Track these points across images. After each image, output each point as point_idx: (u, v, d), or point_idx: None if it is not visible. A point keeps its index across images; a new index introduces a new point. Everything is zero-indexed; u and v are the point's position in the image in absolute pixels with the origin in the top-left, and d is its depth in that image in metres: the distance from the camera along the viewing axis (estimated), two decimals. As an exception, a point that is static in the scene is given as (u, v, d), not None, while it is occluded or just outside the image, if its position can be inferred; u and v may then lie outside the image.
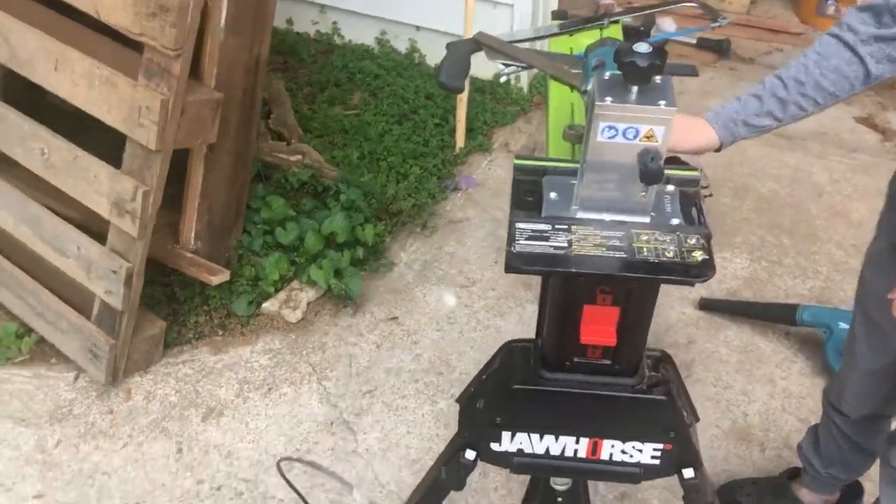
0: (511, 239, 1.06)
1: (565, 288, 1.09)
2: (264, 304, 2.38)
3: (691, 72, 1.46)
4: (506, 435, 1.23)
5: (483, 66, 3.08)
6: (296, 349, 2.33)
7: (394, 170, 2.76)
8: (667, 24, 3.42)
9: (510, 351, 1.25)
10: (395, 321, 2.41)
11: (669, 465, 1.23)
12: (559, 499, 1.47)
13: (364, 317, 2.43)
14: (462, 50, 1.37)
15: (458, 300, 2.45)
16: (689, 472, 1.24)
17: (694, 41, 3.60)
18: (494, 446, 1.24)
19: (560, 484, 1.45)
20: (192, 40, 1.86)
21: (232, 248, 2.41)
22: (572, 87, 1.28)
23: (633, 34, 1.78)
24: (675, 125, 1.01)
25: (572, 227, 1.08)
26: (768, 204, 2.76)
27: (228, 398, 2.20)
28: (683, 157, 1.32)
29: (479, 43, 1.40)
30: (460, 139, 2.91)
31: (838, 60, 1.17)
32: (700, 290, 2.49)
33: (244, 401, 2.20)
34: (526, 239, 1.06)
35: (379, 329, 2.39)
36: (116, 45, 2.06)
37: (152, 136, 1.88)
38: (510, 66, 1.52)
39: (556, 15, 1.81)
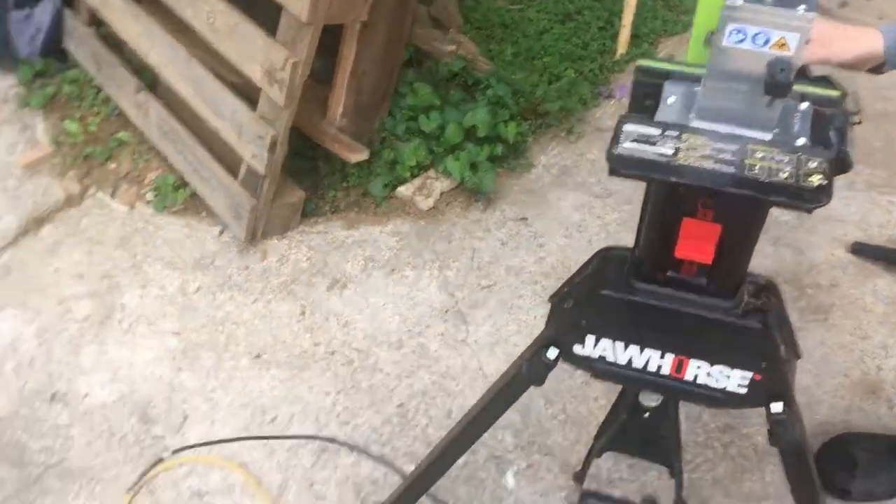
0: (615, 139, 1.02)
1: (666, 196, 1.05)
2: (399, 188, 2.44)
3: None
4: (590, 339, 1.22)
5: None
6: (423, 235, 2.38)
7: (548, 70, 2.69)
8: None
9: (606, 257, 1.22)
10: (523, 221, 2.41)
11: (757, 396, 1.18)
12: (647, 414, 1.46)
13: (494, 213, 2.43)
14: None
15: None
16: (777, 407, 1.18)
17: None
18: (577, 349, 1.24)
19: (650, 400, 1.43)
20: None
21: (375, 130, 2.46)
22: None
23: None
24: (838, 32, 0.92)
25: (683, 134, 1.02)
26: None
27: (354, 272, 2.30)
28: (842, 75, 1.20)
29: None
30: (622, 45, 2.79)
31: None
32: (856, 233, 2.32)
33: (367, 277, 2.29)
34: (631, 141, 1.02)
35: (507, 227, 2.40)
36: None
37: (305, 8, 1.93)
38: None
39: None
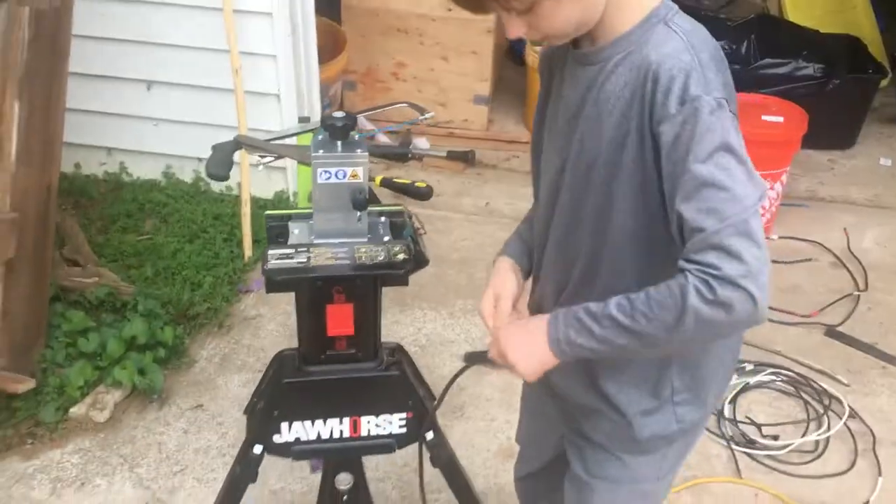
0: (264, 261, 1.43)
1: (310, 295, 1.47)
2: (71, 409, 2.54)
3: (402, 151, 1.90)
4: (284, 426, 1.55)
5: (263, 185, 3.50)
6: (106, 445, 2.50)
7: (188, 281, 3.04)
8: (422, 143, 4.01)
9: (280, 359, 1.59)
10: (200, 408, 2.65)
11: (415, 431, 1.60)
12: (344, 497, 1.78)
13: (170, 408, 2.64)
14: (226, 148, 1.75)
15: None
16: (430, 435, 1.61)
17: (444, 154, 4.19)
18: (276, 438, 1.56)
19: (343, 484, 1.77)
20: (-12, 168, 2.13)
21: (35, 363, 2.58)
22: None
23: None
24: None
25: (311, 249, 1.47)
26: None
27: (42, 497, 2.33)
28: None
29: (240, 142, 1.80)
30: (248, 249, 3.26)
31: None
32: (465, 346, 2.92)
33: (58, 497, 2.33)
34: (276, 259, 1.44)
35: (185, 417, 2.62)
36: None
37: (-47, 254, 2.10)
38: (265, 156, 1.94)
39: (301, 119, 2.26)
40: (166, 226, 3.39)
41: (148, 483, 2.39)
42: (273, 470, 2.42)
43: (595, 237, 1.24)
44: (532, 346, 1.21)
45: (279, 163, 3.44)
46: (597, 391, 1.36)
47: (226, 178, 1.74)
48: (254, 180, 3.32)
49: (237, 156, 3.14)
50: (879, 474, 2.47)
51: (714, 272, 1.01)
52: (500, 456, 2.52)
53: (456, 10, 4.12)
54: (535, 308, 1.45)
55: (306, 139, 2.17)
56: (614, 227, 1.21)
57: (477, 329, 3.01)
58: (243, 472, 1.59)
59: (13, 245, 2.31)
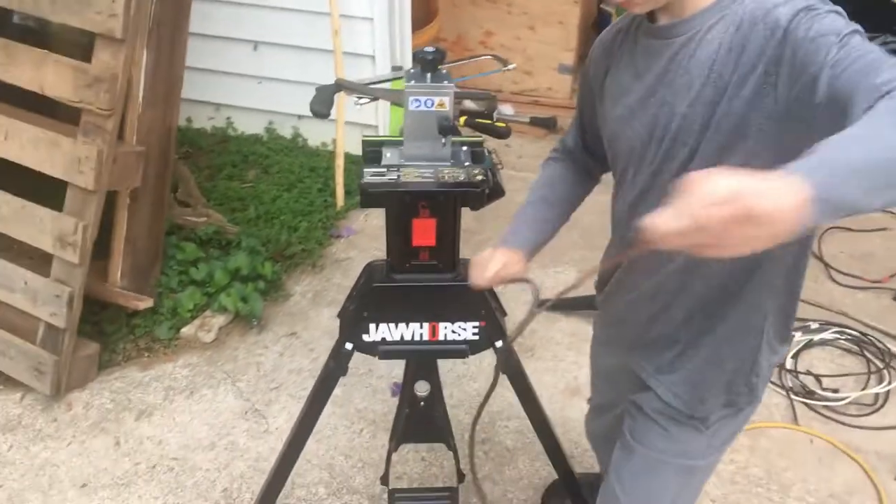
0: (360, 177, 1.65)
1: (398, 209, 1.68)
2: (182, 329, 2.85)
3: (486, 95, 2.09)
4: (372, 327, 1.77)
5: (355, 142, 3.74)
6: (212, 362, 2.79)
7: (286, 225, 3.32)
8: (507, 109, 4.18)
9: (370, 267, 1.81)
10: (294, 335, 2.92)
11: (486, 339, 1.79)
12: (422, 402, 2.00)
13: (268, 334, 2.92)
14: (327, 89, 1.97)
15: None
16: (500, 343, 1.80)
17: (528, 119, 4.35)
18: (365, 337, 1.78)
19: (421, 390, 1.98)
20: (122, 104, 2.42)
21: (152, 286, 2.89)
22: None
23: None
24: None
25: (401, 169, 1.68)
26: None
27: (157, 402, 2.63)
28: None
29: (340, 85, 2.02)
30: (340, 199, 3.51)
31: None
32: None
33: (170, 403, 2.63)
34: (371, 176, 1.65)
35: (281, 342, 2.89)
36: (49, 120, 2.59)
37: (90, 180, 2.40)
38: (362, 98, 2.16)
39: (394, 68, 2.47)
40: (267, 176, 3.68)
41: (248, 395, 2.67)
42: (357, 392, 2.66)
43: None
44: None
45: (372, 117, 3.69)
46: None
47: (327, 115, 1.96)
48: (347, 137, 3.56)
49: (334, 114, 3.41)
50: (937, 429, 2.55)
51: None
52: (567, 393, 2.70)
53: (544, -20, 4.20)
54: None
55: (399, 85, 2.39)
56: None
57: (551, 280, 3.18)
58: (336, 366, 1.82)
59: (139, 175, 2.61)
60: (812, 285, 3.14)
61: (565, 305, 3.03)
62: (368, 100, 2.19)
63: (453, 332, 1.79)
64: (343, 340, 1.81)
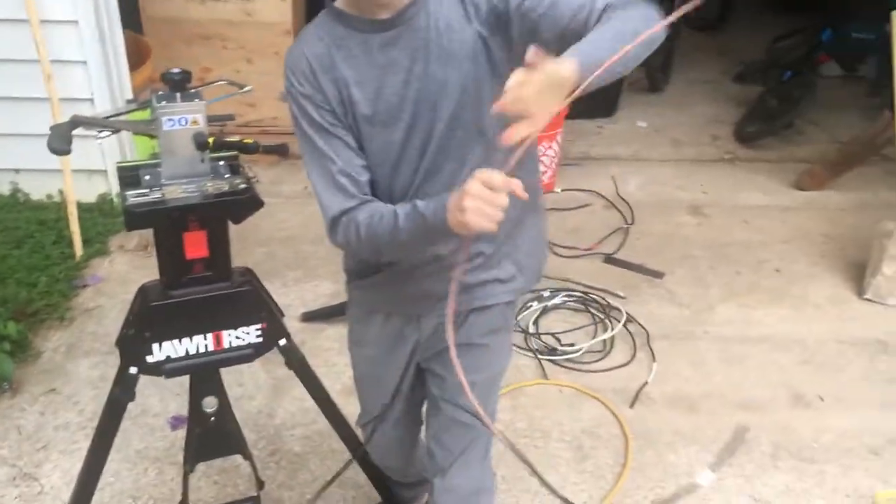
0: (123, 200, 1.69)
1: (167, 226, 1.74)
2: (-79, 408, 2.61)
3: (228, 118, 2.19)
4: (155, 347, 1.80)
5: (84, 190, 3.62)
6: (-37, 435, 2.59)
7: (23, 283, 3.14)
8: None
9: (143, 289, 1.83)
10: (53, 391, 2.78)
11: (270, 340, 1.89)
12: (212, 418, 2.04)
13: (23, 396, 2.76)
14: (63, 126, 1.96)
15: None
16: (283, 342, 1.91)
17: (259, 148, 4.40)
18: (150, 359, 1.80)
19: (209, 406, 2.03)
20: None
21: None
22: (150, 136, 1.95)
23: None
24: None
25: (163, 188, 1.74)
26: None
27: None
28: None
29: (76, 121, 2.02)
30: (78, 249, 3.38)
31: None
32: (300, 309, 3.22)
33: (-78, 488, 2.41)
34: (134, 197, 1.70)
35: (40, 401, 2.74)
36: None
37: None
38: (103, 132, 2.16)
39: (128, 101, 2.48)
40: (-11, 237, 3.44)
41: (13, 461, 2.51)
42: (134, 434, 2.61)
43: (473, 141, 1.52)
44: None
45: (99, 161, 3.59)
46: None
47: (68, 152, 1.93)
48: (76, 185, 3.44)
49: (58, 162, 3.29)
50: (654, 361, 3.03)
51: None
52: (344, 394, 2.84)
53: (255, 14, 4.41)
54: None
55: (137, 116, 2.42)
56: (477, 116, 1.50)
57: (310, 294, 3.31)
58: (122, 393, 1.82)
59: None
60: (538, 260, 3.57)
61: (329, 312, 3.18)
62: (110, 132, 2.21)
63: (237, 338, 1.87)
64: (126, 365, 1.82)
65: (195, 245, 1.76)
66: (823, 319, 3.30)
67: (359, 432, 2.11)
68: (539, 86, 1.19)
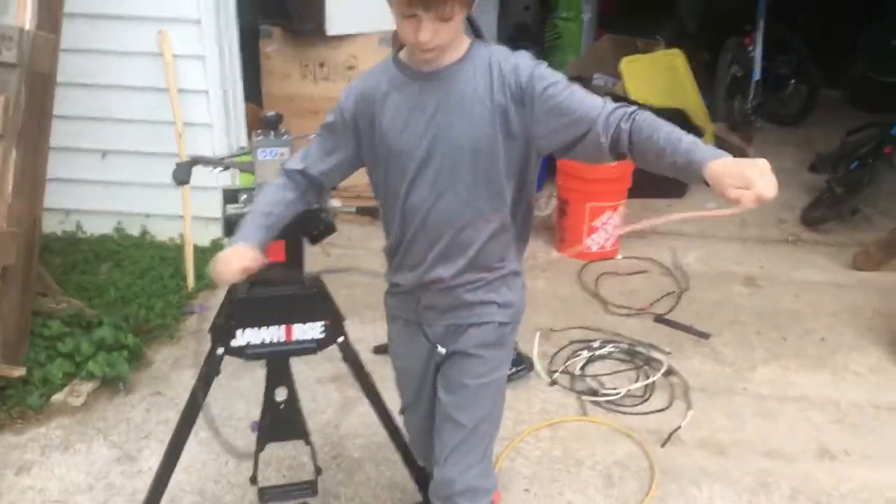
0: (224, 212, 2.17)
1: (256, 234, 2.20)
2: (53, 397, 3.13)
3: None
4: (239, 332, 2.24)
5: (201, 234, 4.20)
6: (83, 421, 3.08)
7: (143, 306, 3.70)
8: (335, 202, 4.79)
9: (233, 287, 2.29)
10: (159, 394, 3.27)
11: (331, 336, 2.30)
12: (281, 406, 2.45)
13: (134, 395, 3.26)
14: (185, 164, 2.49)
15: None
16: (341, 339, 2.32)
17: (354, 209, 4.87)
18: (234, 342, 2.24)
19: (279, 396, 2.44)
20: (-7, 194, 2.81)
21: (22, 361, 3.16)
22: (252, 173, 2.44)
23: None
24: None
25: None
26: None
27: (34, 458, 2.90)
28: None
29: (196, 160, 2.55)
30: (191, 282, 3.94)
31: None
32: (373, 342, 3.62)
33: (47, 458, 2.90)
34: (232, 210, 2.18)
35: (147, 401, 3.23)
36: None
37: (-30, 256, 2.74)
38: (216, 167, 2.69)
39: (240, 148, 3.03)
40: (119, 268, 4.05)
41: (120, 445, 2.98)
42: (221, 432, 3.05)
43: (476, 186, 1.85)
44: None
45: (217, 210, 4.16)
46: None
47: (187, 182, 2.46)
48: (193, 231, 4.03)
49: (181, 211, 3.86)
50: (689, 409, 3.26)
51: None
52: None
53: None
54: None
55: (243, 159, 2.94)
56: (490, 172, 1.84)
57: (382, 331, 3.71)
58: (210, 368, 2.27)
59: (13, 254, 2.96)
60: (593, 316, 3.89)
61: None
62: (222, 169, 2.74)
63: (303, 331, 2.29)
64: (215, 347, 2.26)
65: (276, 251, 2.21)
66: (862, 385, 3.45)
67: (401, 420, 2.46)
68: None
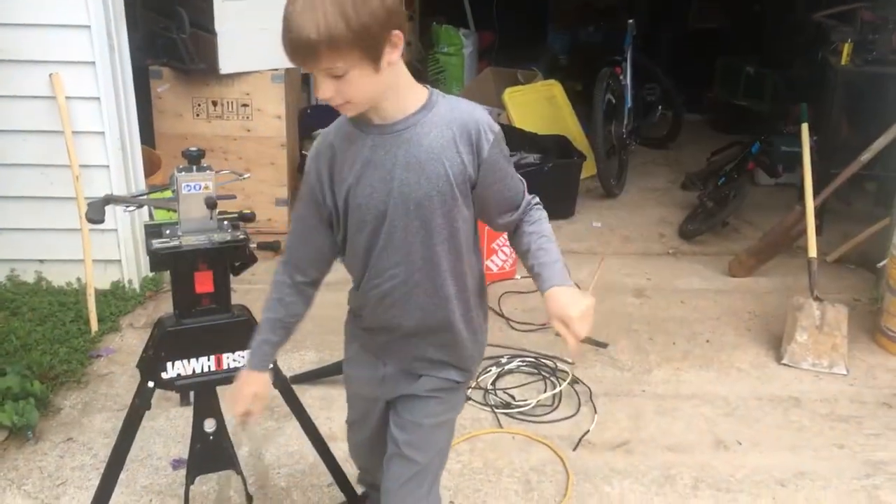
0: (149, 246, 2.21)
1: (183, 265, 2.25)
2: (-42, 450, 3.02)
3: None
4: (169, 365, 2.28)
5: (101, 278, 4.13)
6: (-7, 473, 3.00)
7: (46, 352, 3.61)
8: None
9: (161, 320, 2.33)
10: (71, 440, 3.20)
11: (259, 363, 2.36)
12: (211, 437, 2.49)
13: (45, 443, 3.18)
14: (98, 202, 2.51)
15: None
16: (271, 366, 2.38)
17: (255, 244, 4.92)
18: (164, 375, 2.28)
19: (209, 427, 2.48)
20: None
21: (-79, 417, 3.04)
22: (169, 210, 2.49)
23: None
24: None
25: (180, 238, 2.26)
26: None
27: (-58, 515, 2.79)
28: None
29: (108, 199, 2.57)
30: (94, 325, 3.87)
31: None
32: (288, 373, 3.67)
33: (-44, 515, 2.80)
34: (158, 244, 2.22)
35: (59, 448, 3.16)
36: None
37: None
38: (130, 206, 2.71)
39: (150, 187, 3.05)
40: (17, 317, 3.93)
41: (34, 494, 2.91)
42: (140, 473, 3.02)
43: (434, 244, 1.85)
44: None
45: (114, 252, 4.13)
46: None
47: (102, 221, 2.48)
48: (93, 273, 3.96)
49: (79, 252, 3.81)
50: (596, 413, 3.47)
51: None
52: (329, 439, 3.27)
53: (253, 130, 5.05)
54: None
55: (157, 196, 2.96)
56: (449, 231, 1.85)
57: (297, 362, 3.77)
58: (141, 403, 2.29)
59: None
60: (499, 333, 4.07)
61: (314, 375, 3.63)
62: (135, 207, 2.77)
63: (234, 360, 2.35)
64: (146, 380, 2.29)
65: (203, 282, 2.27)
66: (745, 380, 3.76)
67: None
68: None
